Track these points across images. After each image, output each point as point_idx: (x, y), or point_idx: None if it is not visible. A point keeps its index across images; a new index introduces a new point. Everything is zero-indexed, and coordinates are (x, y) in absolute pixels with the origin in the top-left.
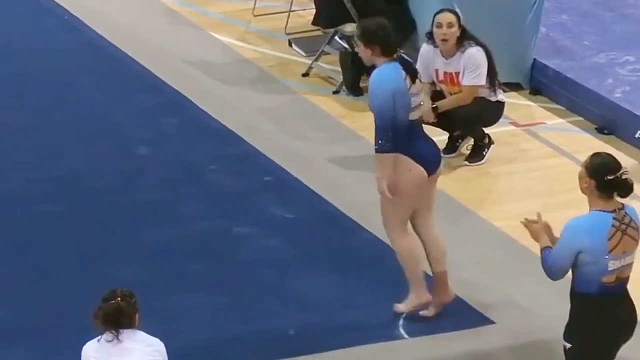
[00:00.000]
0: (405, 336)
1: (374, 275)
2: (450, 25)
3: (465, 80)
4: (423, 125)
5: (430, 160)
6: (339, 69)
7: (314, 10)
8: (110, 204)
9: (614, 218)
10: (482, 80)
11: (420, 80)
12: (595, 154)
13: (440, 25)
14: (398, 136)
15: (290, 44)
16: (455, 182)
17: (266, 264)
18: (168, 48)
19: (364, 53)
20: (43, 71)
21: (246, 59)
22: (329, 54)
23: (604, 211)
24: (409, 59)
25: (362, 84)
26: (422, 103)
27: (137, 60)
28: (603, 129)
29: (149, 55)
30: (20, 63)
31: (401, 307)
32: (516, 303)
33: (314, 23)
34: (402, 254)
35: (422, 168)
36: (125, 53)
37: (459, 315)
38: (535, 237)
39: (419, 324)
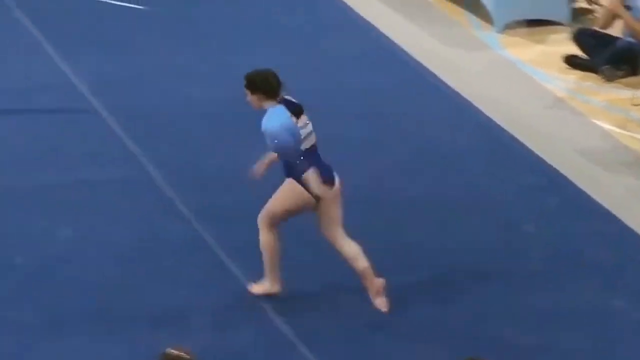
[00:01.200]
0: None
1: None
2: None
3: None
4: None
5: (327, 180)
6: None
7: None
8: (486, 275)
9: None
10: None
11: (303, 115)
12: None
13: None
14: (293, 165)
15: None
16: None
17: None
18: (551, 132)
19: (252, 100)
20: (434, 147)
21: (624, 145)
22: None
23: None
24: (291, 99)
25: None
26: (310, 132)
27: (521, 141)
28: None
29: (533, 138)
30: (414, 143)
31: (255, 287)
32: None
33: None
34: (264, 245)
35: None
36: (511, 134)
37: None
38: None
39: None
